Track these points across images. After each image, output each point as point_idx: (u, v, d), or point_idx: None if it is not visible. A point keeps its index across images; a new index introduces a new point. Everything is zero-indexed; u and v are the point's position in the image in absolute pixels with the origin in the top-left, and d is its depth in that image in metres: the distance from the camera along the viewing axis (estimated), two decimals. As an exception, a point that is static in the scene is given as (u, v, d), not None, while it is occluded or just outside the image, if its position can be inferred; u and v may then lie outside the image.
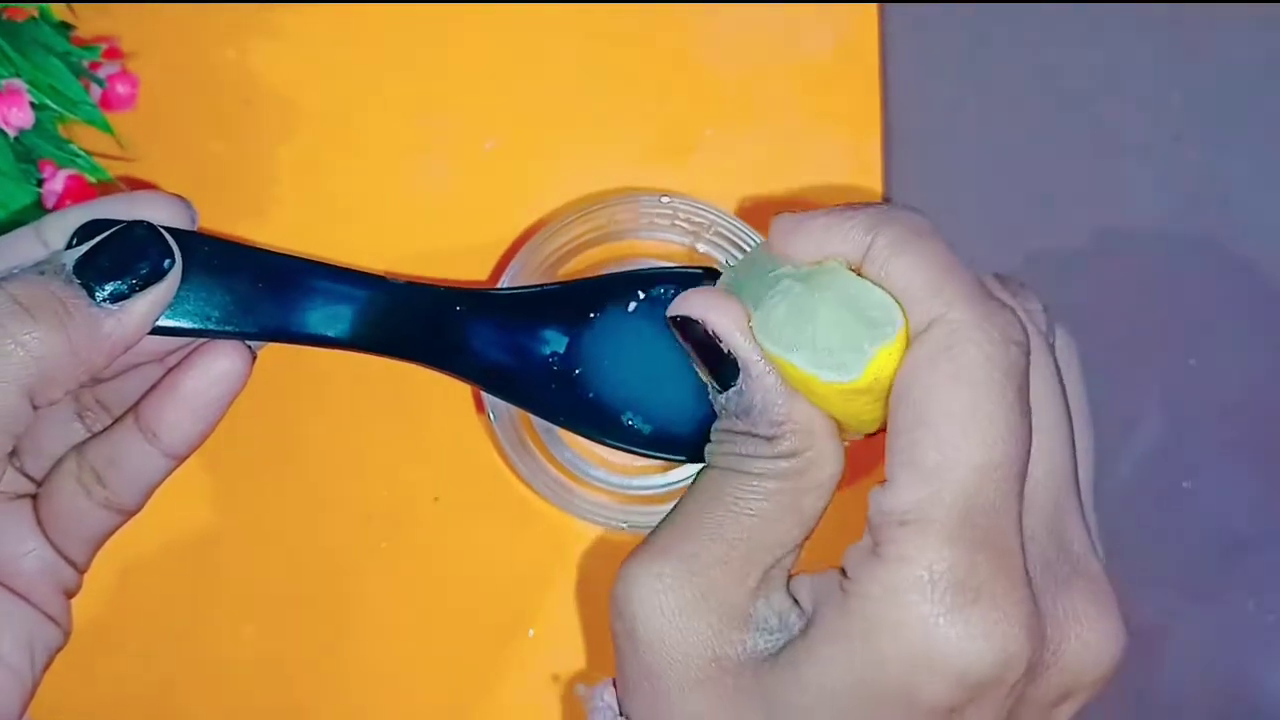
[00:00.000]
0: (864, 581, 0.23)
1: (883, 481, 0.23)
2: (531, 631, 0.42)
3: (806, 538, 0.25)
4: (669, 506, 0.39)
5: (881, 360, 0.23)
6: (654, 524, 0.39)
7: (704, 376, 0.26)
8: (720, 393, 0.26)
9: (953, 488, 0.22)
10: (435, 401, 0.43)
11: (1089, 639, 0.24)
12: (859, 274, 0.24)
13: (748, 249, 0.40)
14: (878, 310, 0.24)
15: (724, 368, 0.25)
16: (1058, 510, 0.25)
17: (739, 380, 0.25)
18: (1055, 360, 0.26)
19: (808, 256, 0.25)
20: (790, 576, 0.25)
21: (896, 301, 0.24)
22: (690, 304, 0.26)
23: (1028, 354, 0.23)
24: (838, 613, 0.23)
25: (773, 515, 0.24)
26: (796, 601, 0.25)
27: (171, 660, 0.43)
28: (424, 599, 0.43)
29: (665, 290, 0.31)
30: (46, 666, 0.29)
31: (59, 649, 0.29)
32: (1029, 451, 0.23)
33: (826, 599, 0.24)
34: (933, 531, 0.22)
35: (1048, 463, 0.25)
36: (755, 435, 0.25)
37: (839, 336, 0.24)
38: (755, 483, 0.25)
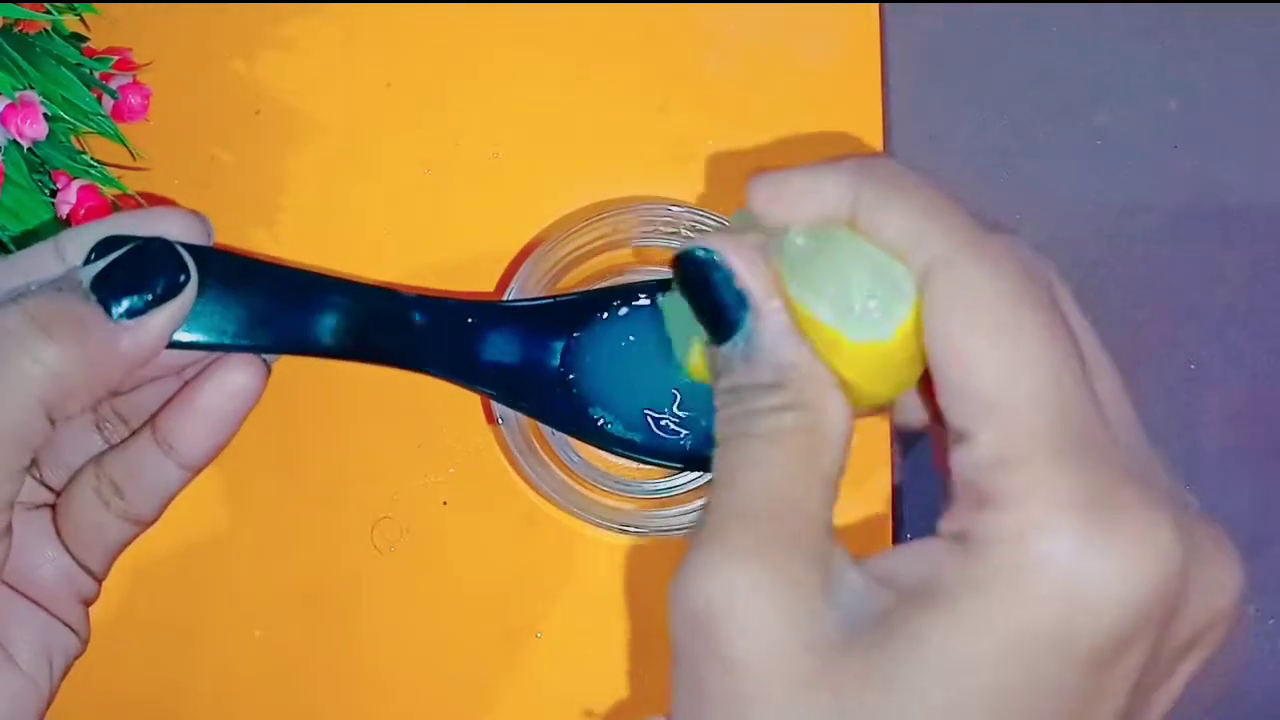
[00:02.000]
0: (986, 532, 0.20)
1: (953, 443, 0.22)
2: (540, 634, 0.43)
3: (833, 500, 0.23)
4: (677, 510, 0.40)
5: (909, 321, 0.23)
6: (661, 527, 0.40)
7: (702, 330, 0.25)
8: (720, 343, 0.24)
9: (1032, 411, 0.20)
10: (444, 405, 0.43)
11: (1212, 573, 0.21)
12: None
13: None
14: (892, 270, 0.23)
15: (729, 313, 0.24)
16: (1136, 430, 0.23)
17: (746, 322, 0.23)
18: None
19: (793, 219, 0.24)
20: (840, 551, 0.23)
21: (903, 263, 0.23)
22: (708, 240, 0.25)
23: (1038, 269, 0.22)
24: (958, 571, 0.21)
25: (795, 475, 0.22)
26: (875, 578, 0.22)
27: (181, 663, 0.43)
28: (432, 602, 0.43)
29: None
30: (64, 675, 0.29)
31: (77, 657, 0.29)
32: (1079, 353, 0.21)
33: (937, 564, 0.21)
34: (1038, 460, 0.20)
35: (1108, 380, 0.23)
36: (759, 385, 0.23)
37: (863, 296, 0.23)
38: (769, 446, 0.23)
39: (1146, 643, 0.20)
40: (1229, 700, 0.44)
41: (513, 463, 0.41)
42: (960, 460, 0.21)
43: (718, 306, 0.24)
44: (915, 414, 0.26)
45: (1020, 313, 0.21)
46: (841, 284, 0.23)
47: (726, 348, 0.24)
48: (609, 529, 0.40)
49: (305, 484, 0.44)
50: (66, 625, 0.28)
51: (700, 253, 0.25)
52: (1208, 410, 0.44)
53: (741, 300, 0.24)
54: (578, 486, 0.41)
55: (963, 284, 0.21)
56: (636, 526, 0.40)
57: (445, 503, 0.43)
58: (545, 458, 0.41)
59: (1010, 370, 0.21)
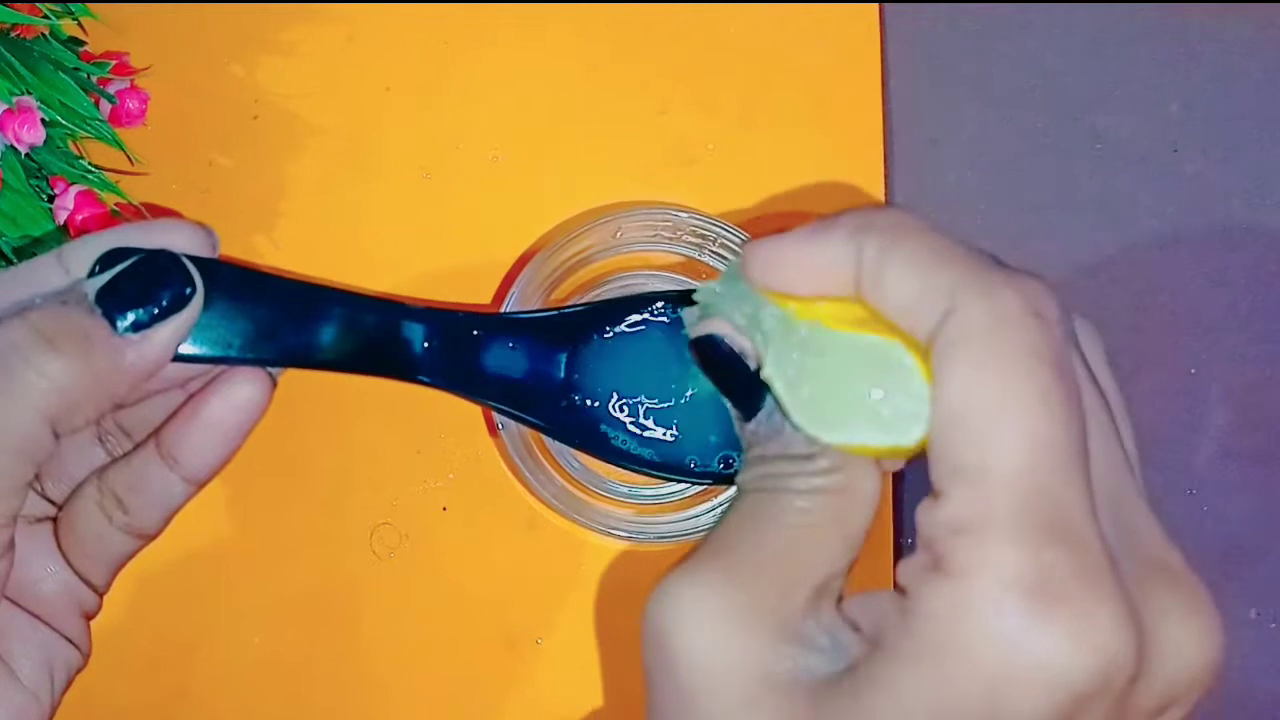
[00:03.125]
0: (926, 600, 0.20)
1: (930, 497, 0.22)
2: (540, 640, 0.43)
3: (854, 560, 0.23)
4: (677, 516, 0.40)
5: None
6: (662, 533, 0.40)
7: (729, 405, 0.25)
8: (746, 420, 0.24)
9: (1002, 482, 0.20)
10: (444, 411, 0.43)
11: (1185, 638, 0.21)
12: (859, 301, 0.23)
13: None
14: (897, 359, 0.22)
15: (752, 390, 0.24)
16: (1121, 497, 0.22)
17: (769, 400, 0.24)
18: (1079, 345, 0.23)
19: (794, 289, 0.24)
20: (840, 598, 0.23)
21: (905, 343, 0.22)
22: (718, 324, 0.25)
23: (1053, 324, 0.21)
24: (900, 636, 0.21)
25: (818, 531, 0.23)
26: (851, 624, 0.22)
27: (182, 670, 0.43)
28: (432, 609, 0.43)
29: (677, 310, 0.31)
30: (66, 688, 0.29)
31: (78, 670, 0.29)
32: (1084, 428, 0.21)
33: (886, 620, 0.21)
34: (991, 534, 0.20)
35: (1122, 443, 0.23)
36: (792, 456, 0.23)
37: (881, 404, 0.22)
38: (797, 500, 0.23)
39: (1098, 712, 0.20)
40: (1231, 704, 0.44)
41: (513, 468, 0.41)
42: (925, 515, 0.21)
43: (743, 386, 0.25)
44: None
45: (1017, 376, 0.20)
46: (857, 397, 0.22)
47: (753, 424, 0.24)
48: (609, 535, 0.39)
49: (305, 490, 0.43)
50: (68, 639, 0.28)
51: (717, 338, 0.25)
52: (1208, 415, 0.44)
53: (762, 384, 0.24)
54: (578, 492, 0.40)
55: (963, 339, 0.21)
56: (637, 532, 0.40)
57: (445, 508, 0.43)
58: (545, 463, 0.41)
59: (993, 438, 0.20)
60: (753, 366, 0.24)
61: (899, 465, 0.24)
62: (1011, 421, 0.20)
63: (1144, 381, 0.45)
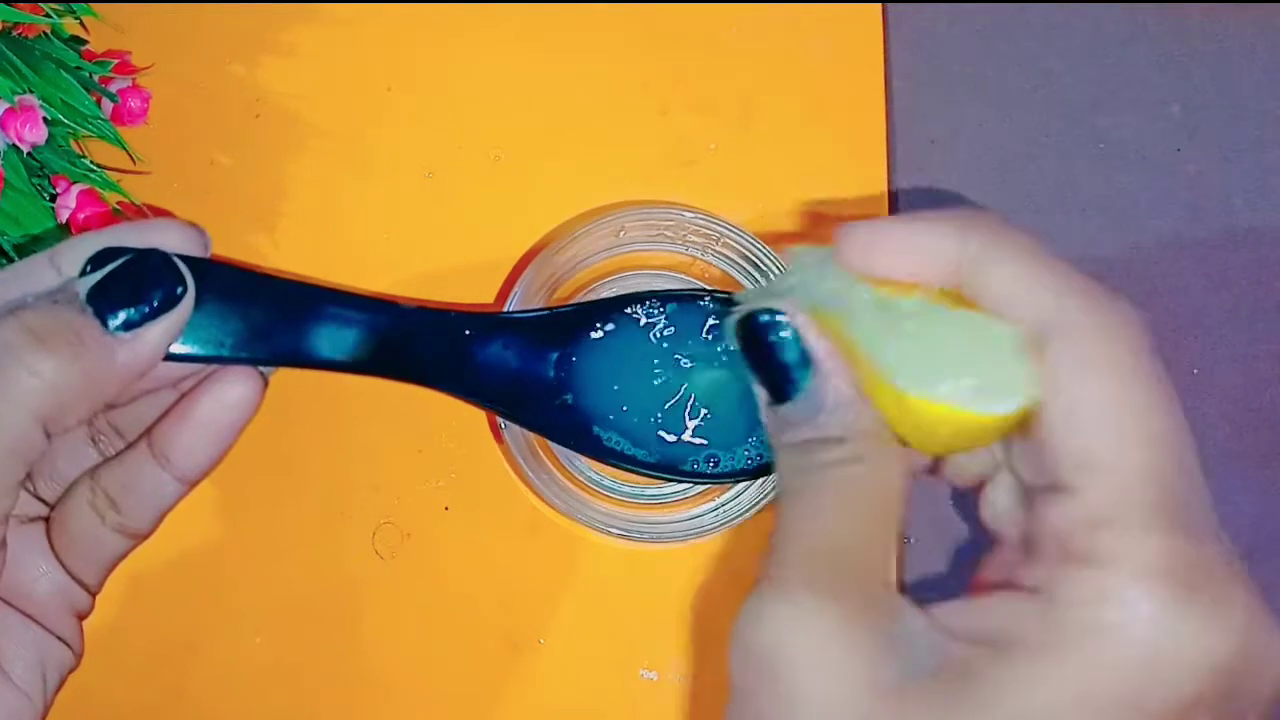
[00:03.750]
0: (1069, 591, 0.21)
1: (1044, 494, 0.23)
2: (542, 641, 0.43)
3: (895, 552, 0.24)
4: (680, 515, 0.40)
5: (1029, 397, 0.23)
6: (665, 533, 0.40)
7: (761, 389, 0.26)
8: (778, 403, 0.25)
9: (1137, 477, 0.21)
10: (445, 410, 0.43)
11: (1268, 651, 0.22)
12: (953, 291, 0.24)
13: (755, 261, 0.40)
14: (1003, 338, 0.23)
15: (790, 372, 0.25)
16: (1209, 502, 0.23)
17: (809, 382, 0.25)
18: None
19: (891, 272, 0.24)
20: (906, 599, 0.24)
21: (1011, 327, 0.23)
22: (768, 299, 0.25)
23: (1149, 341, 0.23)
24: (1038, 627, 0.21)
25: (864, 527, 0.23)
26: (945, 630, 0.23)
27: (182, 669, 0.43)
28: (434, 609, 0.43)
29: (677, 308, 0.31)
30: (59, 689, 0.28)
31: (71, 671, 0.29)
32: (1188, 428, 0.22)
33: (1012, 618, 0.22)
34: (1134, 525, 0.21)
35: (1192, 450, 0.24)
36: (826, 439, 0.24)
37: (984, 368, 0.23)
38: (843, 492, 0.24)
39: (1209, 711, 0.21)
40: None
41: (515, 468, 0.41)
42: (1054, 513, 0.22)
43: (780, 368, 0.25)
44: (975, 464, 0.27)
45: (1139, 379, 0.22)
46: (965, 359, 0.23)
47: (788, 406, 0.25)
48: (612, 534, 0.39)
49: (306, 490, 0.43)
50: (60, 639, 0.28)
51: (764, 316, 0.26)
52: (1211, 415, 0.44)
53: (804, 360, 0.25)
54: (581, 492, 0.40)
55: (1088, 352, 0.22)
56: (640, 532, 0.39)
57: (447, 508, 0.43)
58: (548, 463, 0.40)
59: (1128, 439, 0.22)
60: (809, 347, 0.25)
61: (951, 454, 0.25)
62: (1139, 420, 0.22)
63: (1146, 381, 0.45)
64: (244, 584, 0.43)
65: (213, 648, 0.43)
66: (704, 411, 0.31)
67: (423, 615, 0.43)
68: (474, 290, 0.44)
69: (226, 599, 0.43)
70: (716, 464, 0.31)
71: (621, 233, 0.41)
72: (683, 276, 0.43)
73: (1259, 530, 0.44)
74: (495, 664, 0.43)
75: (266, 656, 0.43)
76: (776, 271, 0.40)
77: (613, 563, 0.43)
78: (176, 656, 0.43)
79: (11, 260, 0.39)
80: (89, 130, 0.40)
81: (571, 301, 0.43)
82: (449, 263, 0.44)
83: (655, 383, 0.31)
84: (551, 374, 0.31)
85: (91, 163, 0.41)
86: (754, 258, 0.40)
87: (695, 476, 0.31)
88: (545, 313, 0.32)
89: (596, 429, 0.31)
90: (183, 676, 0.43)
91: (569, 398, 0.31)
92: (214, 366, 0.28)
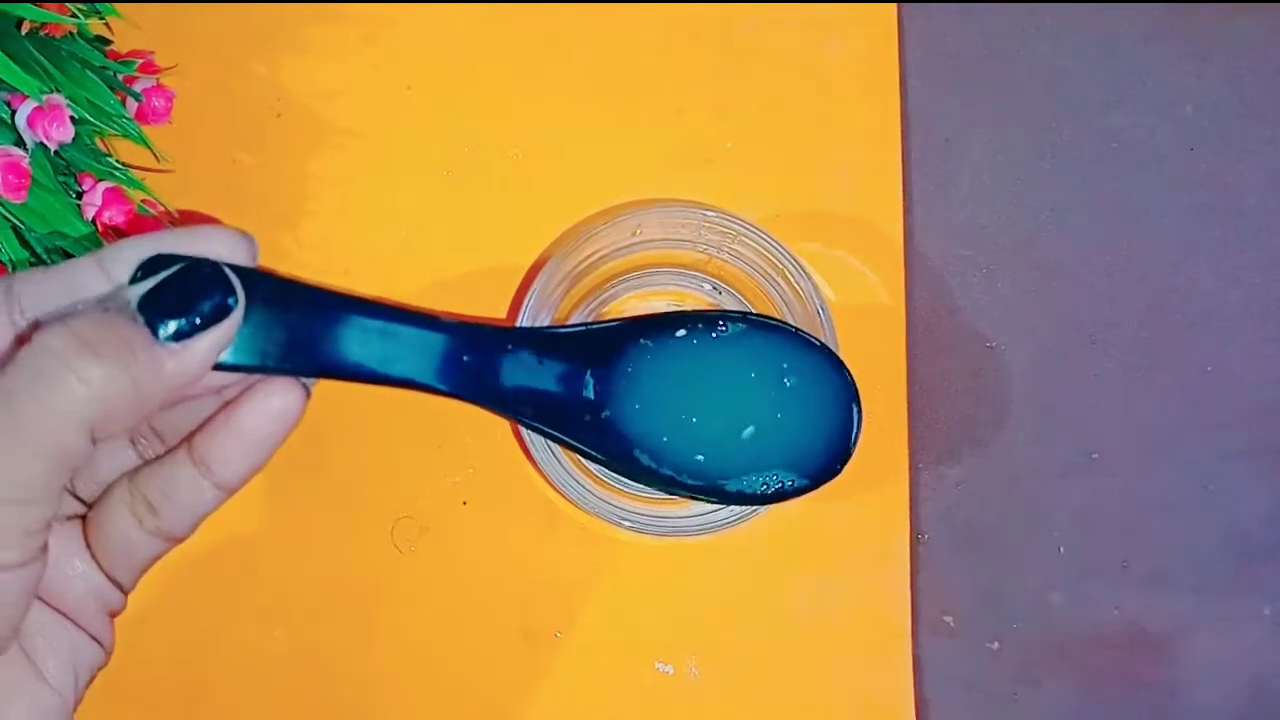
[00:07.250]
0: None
1: None
2: (559, 634, 0.43)
3: None
4: (698, 510, 0.40)
5: None
6: (680, 527, 0.40)
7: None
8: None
9: None
10: (463, 407, 0.43)
11: None
12: None
13: (772, 259, 0.41)
14: None
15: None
16: None
17: None
18: None
19: None
20: None
21: None
22: None
23: None
24: None
25: None
26: None
27: (204, 662, 0.43)
28: (452, 602, 0.43)
29: (705, 328, 0.31)
30: (89, 685, 0.28)
31: (101, 668, 0.29)
32: None
33: None
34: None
35: None
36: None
37: None
38: None
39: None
40: (1246, 704, 0.44)
41: (533, 462, 0.41)
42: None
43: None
44: None
45: None
46: None
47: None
48: (629, 528, 0.40)
49: (326, 484, 0.44)
50: (93, 638, 0.28)
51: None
52: (1224, 412, 0.45)
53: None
54: (597, 486, 0.41)
55: None
56: (655, 527, 0.40)
57: (465, 502, 0.43)
58: (565, 457, 0.41)
59: None
60: None
61: None
62: None
63: (1160, 379, 0.45)
64: (266, 577, 0.44)
65: (234, 640, 0.43)
66: (748, 431, 0.31)
67: (440, 608, 0.43)
68: (492, 285, 0.44)
69: (248, 592, 0.44)
70: (768, 485, 0.31)
71: (639, 230, 0.41)
72: (700, 274, 0.43)
73: (1273, 527, 0.44)
74: (512, 657, 0.43)
75: (288, 648, 0.43)
76: (793, 268, 0.40)
77: (629, 557, 0.43)
78: (198, 648, 0.43)
79: (39, 257, 0.39)
80: (114, 129, 0.41)
81: (590, 300, 0.43)
82: (468, 258, 0.45)
83: (696, 402, 0.31)
84: (590, 392, 0.31)
85: (117, 161, 0.41)
86: (770, 257, 0.41)
87: (740, 499, 0.31)
88: (582, 329, 0.31)
89: (634, 449, 0.31)
90: (205, 668, 0.43)
91: (606, 415, 0.31)
92: (258, 376, 0.28)
